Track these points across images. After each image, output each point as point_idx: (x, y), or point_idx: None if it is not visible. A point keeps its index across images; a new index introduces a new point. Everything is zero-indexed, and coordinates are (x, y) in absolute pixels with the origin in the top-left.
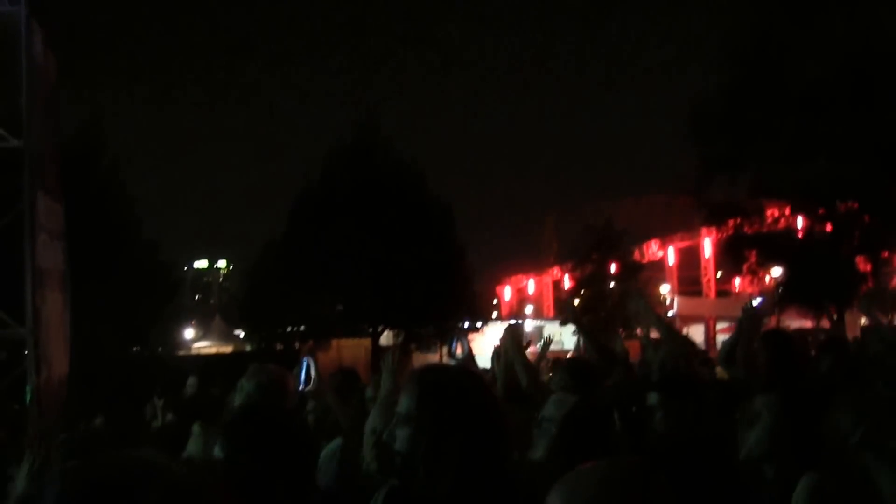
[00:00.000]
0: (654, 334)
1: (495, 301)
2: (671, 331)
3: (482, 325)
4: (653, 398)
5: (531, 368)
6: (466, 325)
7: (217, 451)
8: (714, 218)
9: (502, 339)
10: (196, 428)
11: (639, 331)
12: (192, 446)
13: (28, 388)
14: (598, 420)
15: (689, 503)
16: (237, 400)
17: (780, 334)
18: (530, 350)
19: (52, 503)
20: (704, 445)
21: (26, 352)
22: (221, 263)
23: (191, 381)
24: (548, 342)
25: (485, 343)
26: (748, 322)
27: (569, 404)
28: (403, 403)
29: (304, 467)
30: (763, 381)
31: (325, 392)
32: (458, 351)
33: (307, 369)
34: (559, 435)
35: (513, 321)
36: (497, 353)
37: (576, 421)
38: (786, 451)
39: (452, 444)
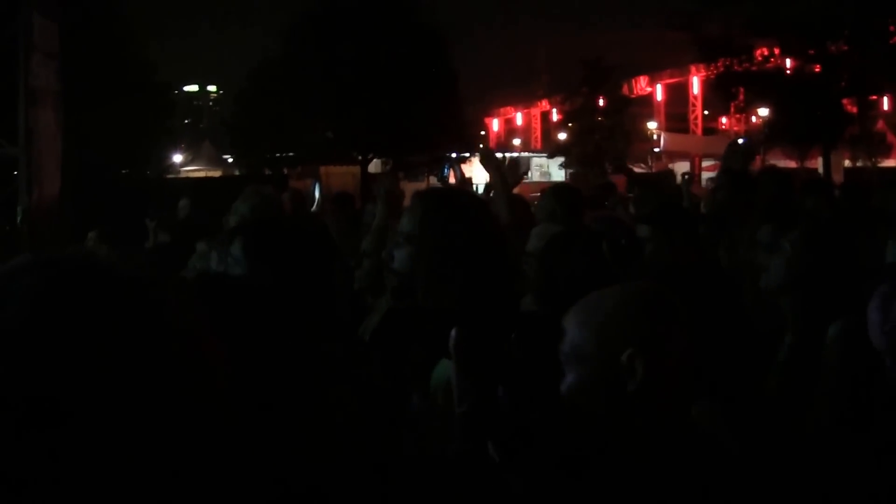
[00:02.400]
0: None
1: (483, 132)
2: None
3: (470, 155)
4: (643, 230)
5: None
6: (455, 154)
7: (233, 264)
8: (705, 55)
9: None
10: (201, 245)
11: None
12: (198, 263)
13: (19, 209)
14: (586, 249)
15: (698, 323)
16: (231, 222)
17: (780, 171)
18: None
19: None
20: (698, 270)
21: (17, 171)
22: (212, 88)
23: (183, 202)
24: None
25: (472, 172)
26: (731, 156)
27: (551, 233)
28: (405, 223)
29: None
30: (762, 214)
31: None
32: (451, 178)
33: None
34: (549, 264)
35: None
36: (488, 186)
37: (557, 251)
38: (808, 283)
39: (456, 264)
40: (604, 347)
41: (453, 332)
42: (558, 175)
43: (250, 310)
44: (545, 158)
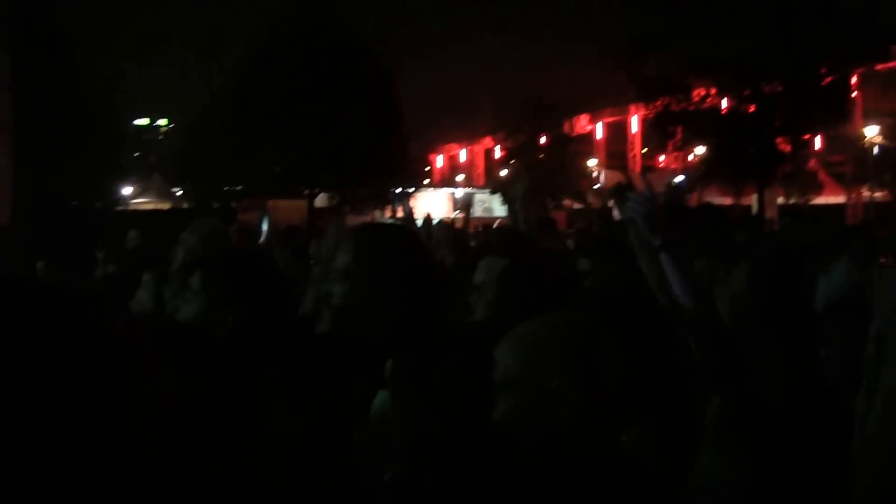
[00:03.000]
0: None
1: (428, 168)
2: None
3: (415, 191)
4: (584, 264)
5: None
6: (400, 189)
7: (194, 296)
8: (643, 94)
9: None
10: (146, 276)
11: (566, 202)
12: (143, 293)
13: None
14: (531, 280)
15: (629, 351)
16: (180, 253)
17: (713, 207)
18: (460, 216)
19: None
20: (634, 301)
21: None
22: (162, 122)
23: (132, 234)
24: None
25: (417, 208)
26: (669, 195)
27: (499, 266)
28: (341, 259)
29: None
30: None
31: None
32: (400, 212)
33: (261, 223)
34: (496, 295)
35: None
36: (426, 220)
37: (510, 281)
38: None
39: (389, 297)
40: (534, 376)
41: (388, 363)
42: (500, 211)
43: (194, 349)
44: (488, 194)
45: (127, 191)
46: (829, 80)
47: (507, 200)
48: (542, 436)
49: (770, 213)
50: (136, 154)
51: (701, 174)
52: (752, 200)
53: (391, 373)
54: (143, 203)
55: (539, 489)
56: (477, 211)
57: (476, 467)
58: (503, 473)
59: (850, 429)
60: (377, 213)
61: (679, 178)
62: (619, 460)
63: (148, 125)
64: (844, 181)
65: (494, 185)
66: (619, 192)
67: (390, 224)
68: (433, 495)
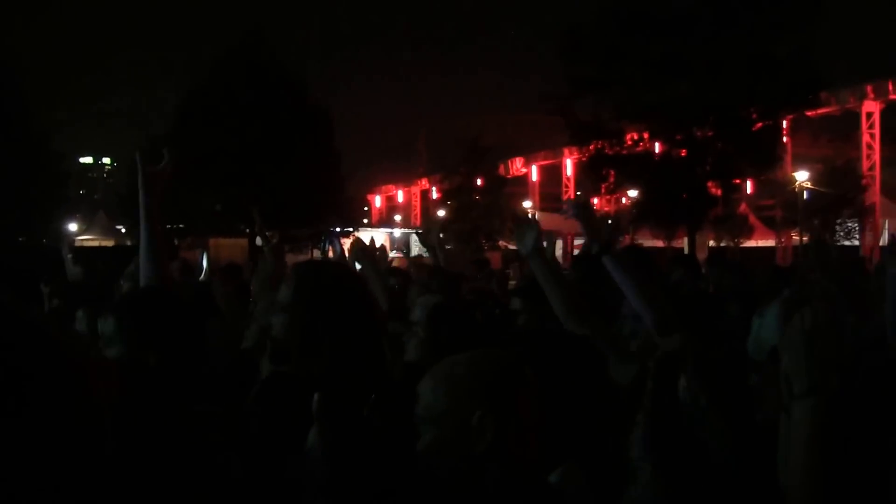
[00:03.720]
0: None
1: (366, 208)
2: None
3: (353, 231)
4: (516, 303)
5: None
6: (338, 229)
7: (109, 332)
8: (577, 138)
9: (350, 254)
10: (80, 313)
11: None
12: (79, 328)
13: None
14: (461, 318)
15: (551, 389)
16: (125, 287)
17: (639, 249)
18: (396, 255)
19: None
20: (563, 339)
21: None
22: (106, 160)
23: (76, 269)
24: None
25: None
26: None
27: (431, 304)
28: (282, 293)
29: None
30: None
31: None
32: (330, 252)
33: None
34: (426, 333)
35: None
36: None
37: (440, 319)
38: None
39: (325, 332)
40: (455, 409)
41: (315, 397)
42: None
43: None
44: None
45: (72, 227)
46: (759, 125)
47: (427, 248)
48: (462, 468)
49: (701, 256)
50: (80, 192)
51: (633, 217)
52: (684, 243)
53: (317, 406)
54: (88, 240)
55: None
56: (414, 251)
57: (402, 500)
58: None
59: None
60: (316, 252)
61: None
62: (543, 497)
63: (92, 163)
64: (774, 225)
65: (423, 229)
66: (519, 226)
67: (331, 262)
68: None
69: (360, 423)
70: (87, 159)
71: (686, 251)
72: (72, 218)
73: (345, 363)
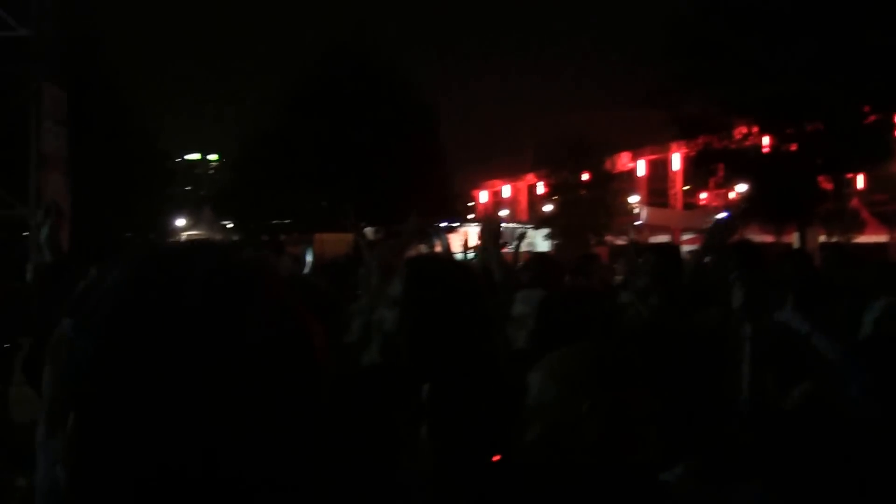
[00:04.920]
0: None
1: (471, 203)
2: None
3: (458, 226)
4: (625, 296)
5: (506, 262)
6: (444, 224)
7: None
8: (684, 133)
9: (481, 233)
10: None
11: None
12: None
13: (29, 266)
14: (571, 309)
15: (663, 383)
16: None
17: (751, 244)
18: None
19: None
20: (673, 334)
21: (26, 232)
22: (213, 157)
23: None
24: (522, 235)
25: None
26: (714, 232)
27: (537, 297)
28: (394, 287)
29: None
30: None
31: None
32: (437, 247)
33: (305, 255)
34: (537, 324)
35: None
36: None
37: (551, 310)
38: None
39: (436, 324)
40: (564, 401)
41: (425, 388)
42: (543, 245)
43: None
44: (531, 229)
45: (179, 223)
46: (872, 118)
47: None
48: (570, 461)
49: (810, 252)
50: (187, 188)
51: (742, 212)
52: (794, 238)
53: (427, 399)
54: (194, 235)
55: None
56: (521, 246)
57: (509, 494)
58: (532, 498)
59: None
60: (422, 248)
61: (721, 215)
62: (654, 496)
63: (199, 159)
64: (888, 220)
65: (482, 228)
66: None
67: (442, 255)
68: None
69: (469, 415)
70: (194, 155)
71: (796, 246)
72: (179, 214)
73: (455, 355)
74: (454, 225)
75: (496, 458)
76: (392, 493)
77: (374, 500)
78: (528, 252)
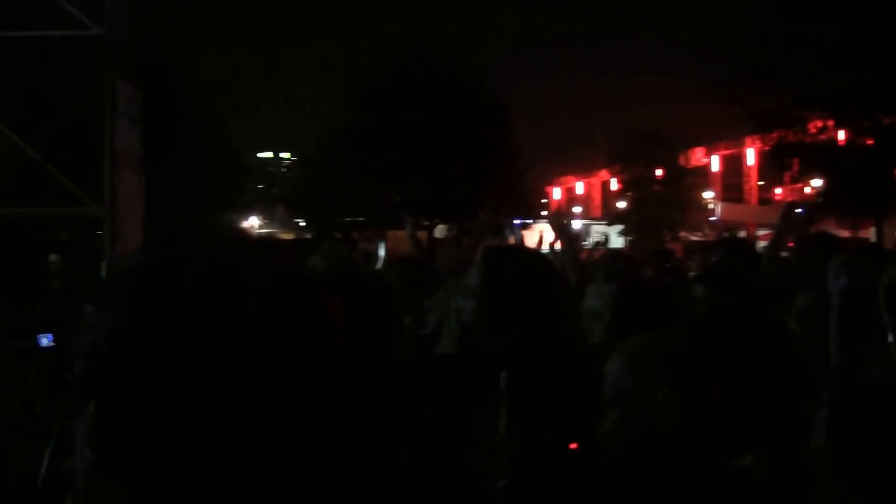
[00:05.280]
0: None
1: (545, 199)
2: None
3: (532, 223)
4: (698, 290)
5: (579, 262)
6: (517, 221)
7: None
8: (759, 127)
9: (554, 232)
10: None
11: (682, 233)
12: None
13: (103, 264)
14: (646, 302)
15: (739, 371)
16: None
17: (831, 236)
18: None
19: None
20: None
21: (100, 231)
22: (285, 155)
23: None
24: (603, 242)
25: (533, 239)
26: (786, 217)
27: (606, 290)
28: (472, 277)
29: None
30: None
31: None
32: (511, 241)
33: (378, 249)
34: (612, 317)
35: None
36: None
37: (627, 302)
38: None
39: (513, 314)
40: (642, 387)
41: (503, 376)
42: (617, 242)
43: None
44: (605, 226)
45: (253, 221)
46: None
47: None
48: (647, 447)
49: (888, 247)
50: (260, 186)
51: (818, 206)
52: (870, 233)
53: (505, 386)
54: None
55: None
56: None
57: (584, 479)
58: (610, 485)
59: None
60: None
61: (798, 210)
62: (729, 485)
63: (272, 158)
64: None
65: (611, 217)
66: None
67: (519, 246)
68: (542, 502)
69: (547, 403)
70: (267, 154)
71: (873, 241)
72: (252, 212)
73: (532, 344)
74: (527, 222)
75: (573, 446)
76: (468, 479)
77: (450, 484)
78: (603, 249)
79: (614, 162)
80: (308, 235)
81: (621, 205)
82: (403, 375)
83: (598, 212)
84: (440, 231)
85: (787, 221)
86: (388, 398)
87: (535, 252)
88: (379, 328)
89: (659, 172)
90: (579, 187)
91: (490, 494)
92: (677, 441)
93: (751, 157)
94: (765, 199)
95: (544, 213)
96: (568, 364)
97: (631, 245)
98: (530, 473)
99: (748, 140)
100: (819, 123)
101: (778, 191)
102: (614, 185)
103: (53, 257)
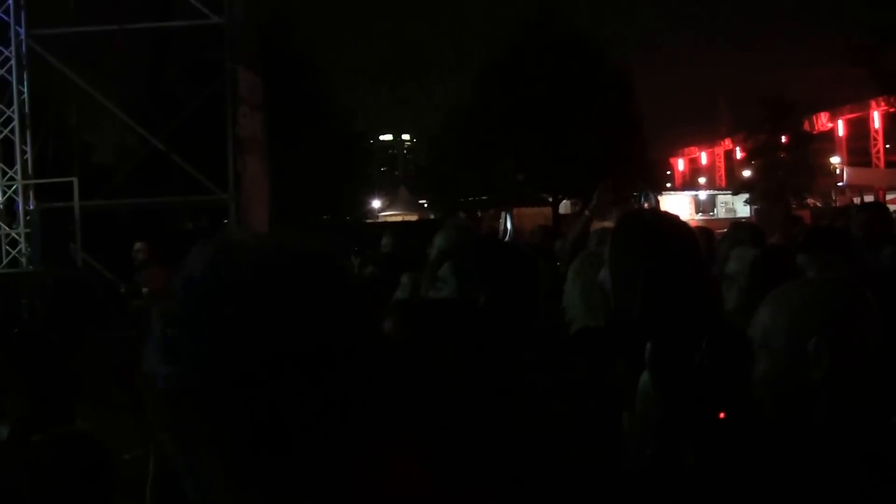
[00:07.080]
0: None
1: (669, 172)
2: None
3: (657, 194)
4: (802, 258)
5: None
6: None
7: (444, 273)
8: (885, 89)
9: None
10: (404, 278)
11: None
12: (400, 294)
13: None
14: (781, 266)
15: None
16: (432, 254)
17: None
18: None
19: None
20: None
21: (226, 219)
22: (406, 137)
23: (385, 239)
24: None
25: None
26: None
27: (750, 255)
28: (606, 250)
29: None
30: None
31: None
32: (646, 206)
33: (506, 223)
34: (748, 281)
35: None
36: None
37: (763, 267)
38: None
39: (638, 277)
40: (792, 336)
41: (648, 345)
42: (743, 211)
43: (458, 327)
44: (730, 195)
45: (376, 204)
46: None
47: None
48: (797, 397)
49: None
50: (382, 168)
51: None
52: None
53: (650, 354)
54: (391, 215)
55: (794, 461)
56: (720, 212)
57: (732, 443)
58: (757, 446)
59: None
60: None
61: None
62: (880, 435)
63: (392, 140)
64: None
65: (736, 187)
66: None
67: (649, 211)
68: (692, 467)
69: (692, 369)
70: (387, 136)
71: None
72: (375, 195)
73: (674, 312)
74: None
75: (722, 415)
76: (611, 437)
77: (600, 451)
78: (729, 219)
79: (738, 130)
80: (432, 216)
81: (746, 174)
82: (553, 343)
83: (722, 182)
84: (565, 206)
85: None
86: (540, 363)
87: (672, 217)
88: (529, 296)
89: (784, 139)
90: (703, 158)
91: (640, 461)
92: (827, 390)
93: (877, 119)
94: (892, 163)
95: (669, 185)
96: (712, 329)
97: (757, 214)
98: (678, 441)
99: (873, 103)
100: None
101: None
102: (738, 154)
103: (138, 245)
